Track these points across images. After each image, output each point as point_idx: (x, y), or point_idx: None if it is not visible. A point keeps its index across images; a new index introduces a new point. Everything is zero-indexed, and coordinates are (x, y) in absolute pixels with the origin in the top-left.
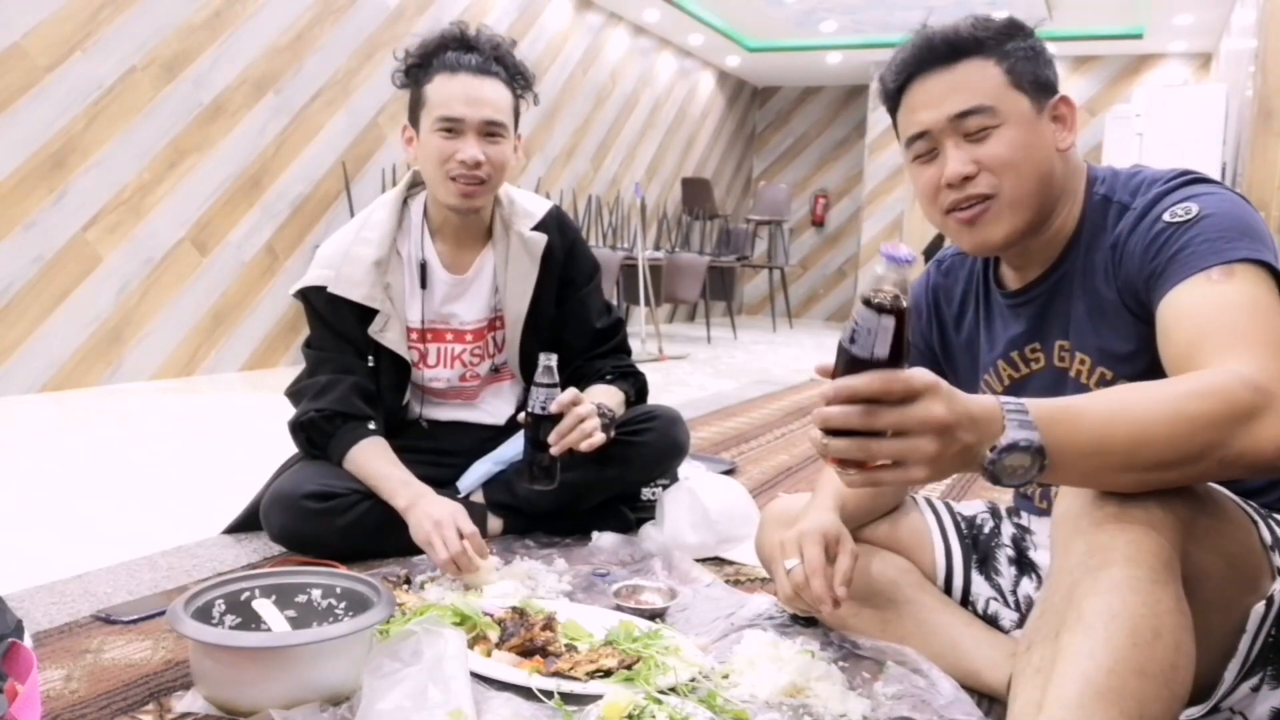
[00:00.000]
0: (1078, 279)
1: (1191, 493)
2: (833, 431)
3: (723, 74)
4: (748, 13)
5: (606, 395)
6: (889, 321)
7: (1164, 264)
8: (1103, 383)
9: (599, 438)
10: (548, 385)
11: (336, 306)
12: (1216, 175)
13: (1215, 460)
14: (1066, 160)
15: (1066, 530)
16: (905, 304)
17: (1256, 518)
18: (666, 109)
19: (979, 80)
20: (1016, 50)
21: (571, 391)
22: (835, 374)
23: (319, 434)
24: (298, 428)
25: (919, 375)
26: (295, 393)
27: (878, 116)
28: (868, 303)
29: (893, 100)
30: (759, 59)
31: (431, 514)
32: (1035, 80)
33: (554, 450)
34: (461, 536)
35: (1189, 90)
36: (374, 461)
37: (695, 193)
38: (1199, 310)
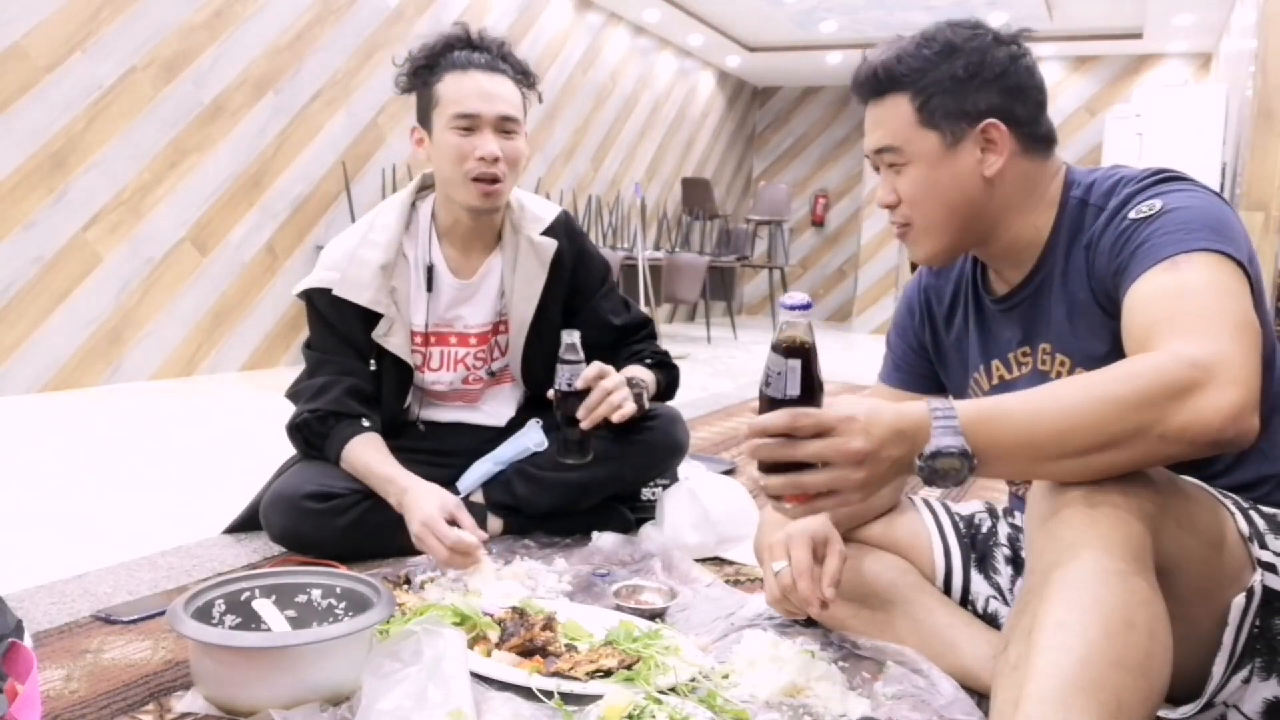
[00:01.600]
0: (1057, 281)
1: (1159, 484)
2: (768, 470)
3: (723, 74)
4: (748, 13)
5: (636, 371)
6: (795, 363)
7: (1127, 259)
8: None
9: (629, 408)
10: (572, 361)
11: (340, 309)
12: (1216, 175)
13: (1154, 438)
14: (1005, 181)
15: (1036, 527)
16: (808, 345)
17: (1234, 509)
18: (666, 109)
19: (891, 119)
20: (940, 82)
21: (597, 365)
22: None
23: (314, 435)
24: (294, 429)
25: (831, 411)
26: (294, 394)
27: None
28: (775, 348)
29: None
30: (759, 59)
31: (419, 512)
32: (954, 111)
33: (584, 424)
34: (457, 525)
35: (1189, 90)
36: (365, 458)
37: (695, 193)
38: (1153, 299)
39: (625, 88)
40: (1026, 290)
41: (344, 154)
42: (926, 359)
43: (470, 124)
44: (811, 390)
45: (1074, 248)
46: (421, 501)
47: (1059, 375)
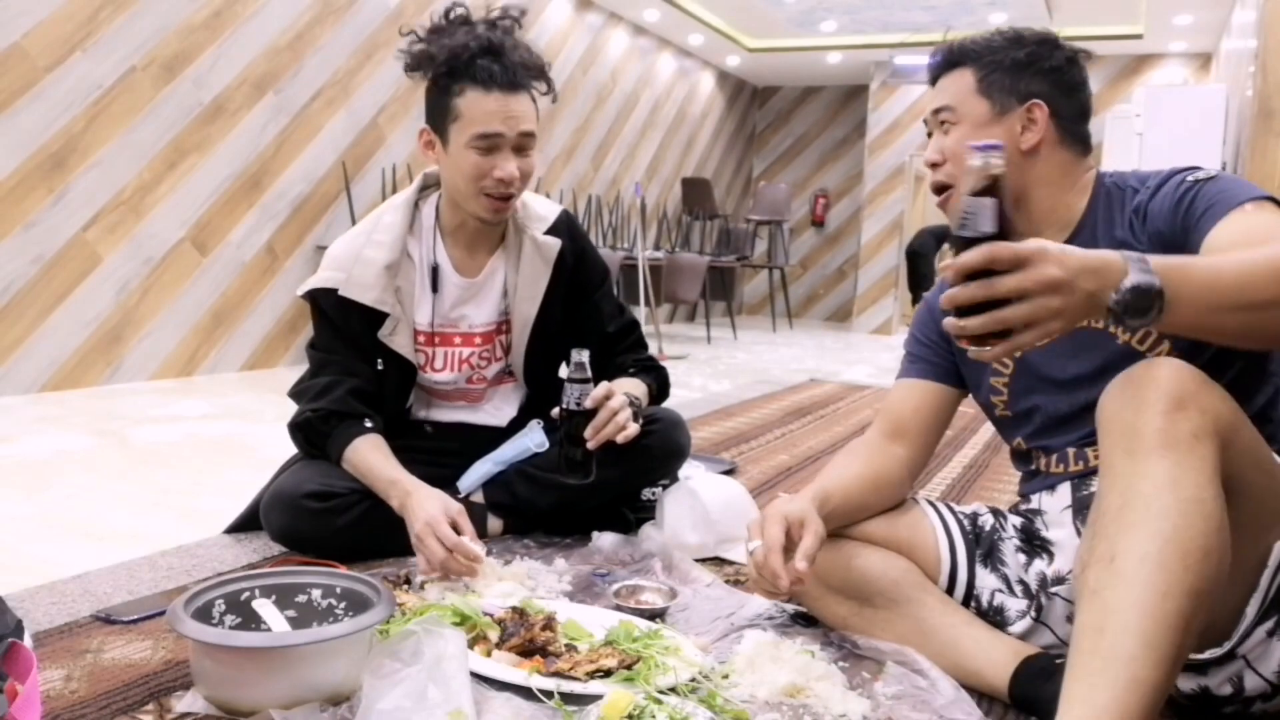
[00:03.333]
0: (1101, 244)
1: (1235, 411)
2: (965, 312)
3: (723, 74)
4: (748, 13)
5: (631, 386)
6: (988, 200)
7: (1200, 210)
8: (1146, 339)
9: (633, 429)
10: (581, 381)
11: (345, 309)
12: None
13: None
14: (1040, 159)
15: (1114, 442)
16: (1001, 180)
17: None
18: (666, 109)
19: (954, 85)
20: (1001, 62)
21: (604, 385)
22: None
23: (316, 434)
24: (296, 428)
25: (1026, 243)
26: (297, 394)
27: (878, 116)
28: (968, 190)
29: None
30: (759, 59)
31: (423, 513)
32: (1008, 88)
33: (590, 445)
34: (457, 531)
35: (1189, 90)
36: (366, 459)
37: (695, 193)
38: (1240, 236)
39: (625, 87)
40: None
41: (344, 154)
42: (949, 354)
43: (491, 144)
44: (1004, 228)
45: (1113, 220)
46: (426, 504)
47: (1121, 336)
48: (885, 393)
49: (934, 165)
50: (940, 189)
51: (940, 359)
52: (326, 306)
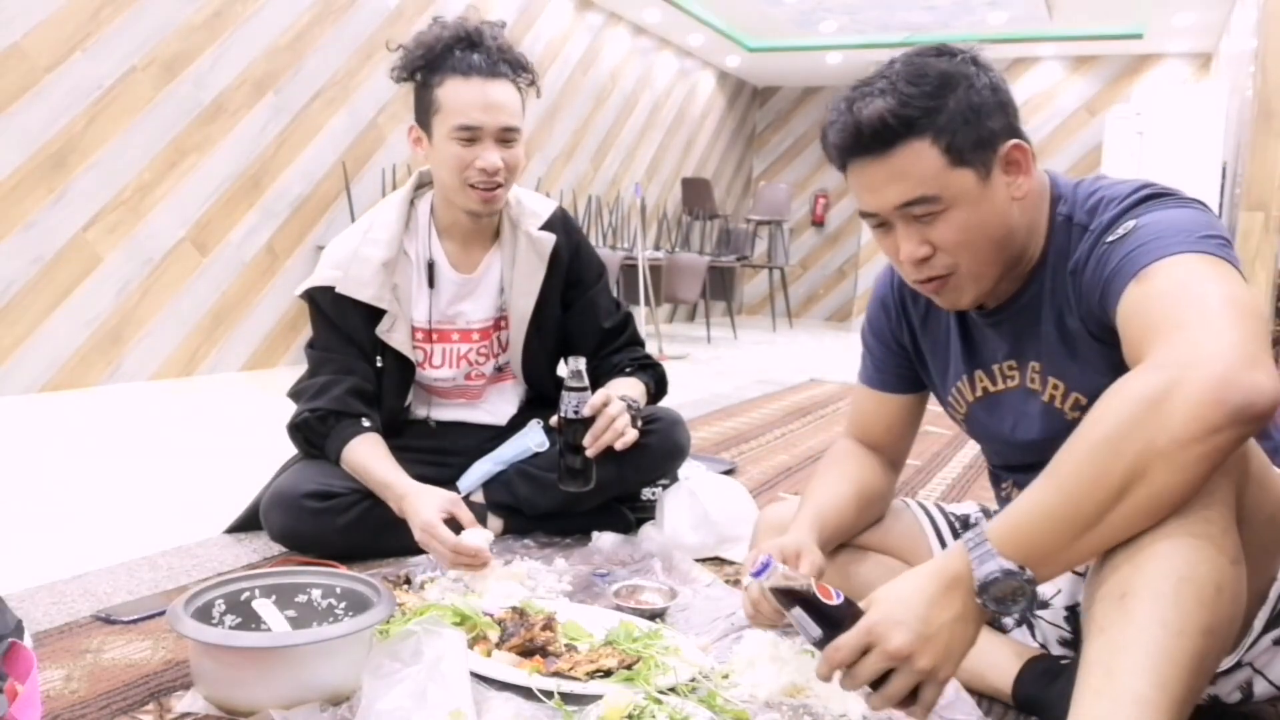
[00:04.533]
0: (1046, 301)
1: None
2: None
3: (723, 74)
4: (748, 13)
5: (628, 387)
6: (797, 611)
7: (1107, 283)
8: (1078, 408)
9: (631, 435)
10: (579, 389)
11: (343, 307)
12: (1217, 175)
13: (1162, 455)
14: (1028, 202)
15: None
16: (804, 587)
17: None
18: (666, 109)
19: (915, 167)
20: (954, 117)
21: (602, 393)
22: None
23: (314, 434)
24: (294, 428)
25: (854, 633)
26: (296, 393)
27: None
28: (780, 598)
29: (841, 169)
30: (759, 59)
31: (418, 518)
32: (978, 142)
33: (590, 452)
34: (456, 525)
35: (1189, 89)
36: (363, 460)
37: (695, 193)
38: (1136, 314)
39: (625, 88)
40: (1015, 305)
41: (344, 154)
42: (907, 359)
43: (472, 135)
44: (832, 623)
45: (1061, 270)
46: (420, 506)
47: (1052, 398)
48: None
49: (923, 260)
50: (940, 278)
51: (899, 366)
52: (324, 305)
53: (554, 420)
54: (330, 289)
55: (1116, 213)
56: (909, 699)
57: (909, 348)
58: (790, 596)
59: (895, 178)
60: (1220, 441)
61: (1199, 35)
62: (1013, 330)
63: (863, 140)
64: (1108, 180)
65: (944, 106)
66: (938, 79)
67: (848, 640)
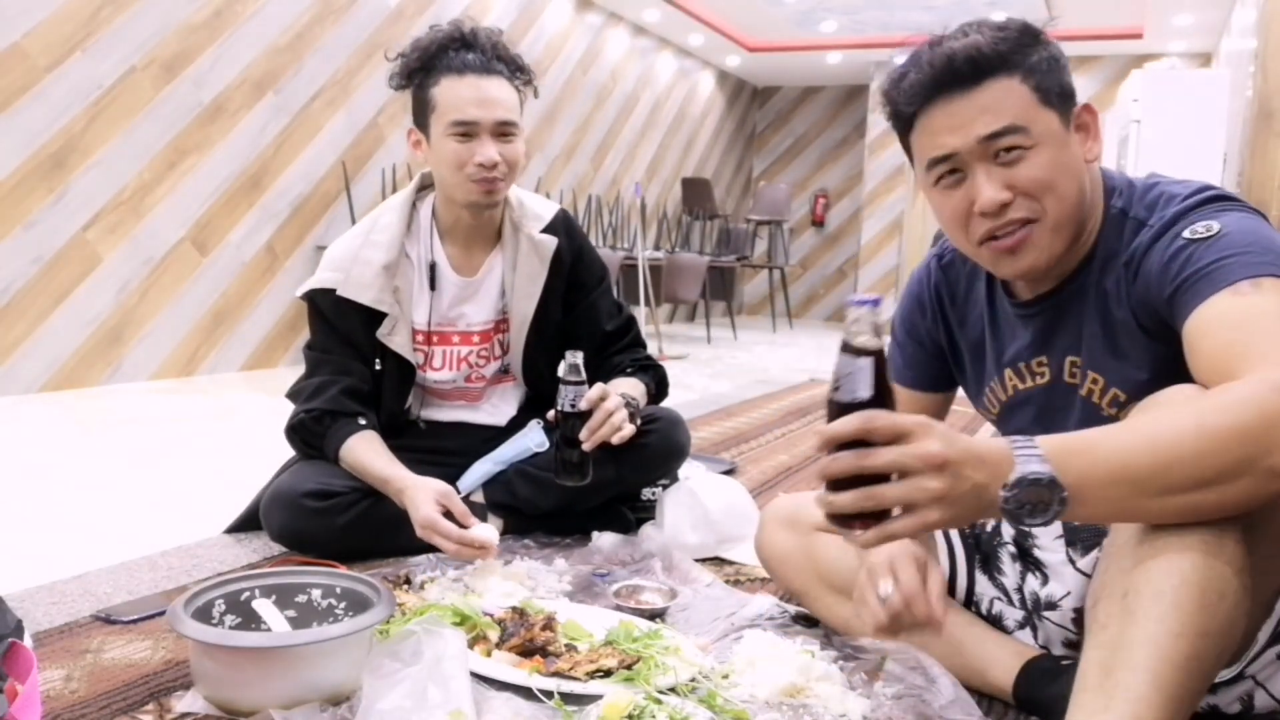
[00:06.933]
0: (1091, 295)
1: None
2: (837, 488)
3: (723, 74)
4: (748, 13)
5: (629, 387)
6: (865, 363)
7: (1188, 281)
8: (1115, 404)
9: (628, 430)
10: (576, 382)
11: (343, 309)
12: (1219, 166)
13: (1260, 472)
14: (1092, 172)
15: None
16: (881, 346)
17: None
18: (666, 109)
19: (1006, 100)
20: (1040, 63)
21: (599, 386)
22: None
23: (310, 435)
24: (291, 430)
25: (908, 415)
26: (293, 394)
27: (877, 117)
28: (845, 347)
29: (905, 123)
30: (759, 59)
31: (417, 515)
32: (1061, 92)
33: (586, 446)
34: (454, 521)
35: (1190, 76)
36: (361, 457)
37: (695, 193)
38: (1228, 323)
39: (625, 88)
40: (1055, 299)
41: (344, 154)
42: (941, 359)
43: (468, 130)
44: (883, 394)
45: (1112, 263)
46: (418, 500)
47: (1090, 392)
48: None
49: (1000, 206)
50: (1021, 225)
51: (932, 364)
52: (324, 307)
53: (551, 414)
54: (331, 291)
55: (1181, 209)
56: (869, 520)
57: (945, 347)
58: (871, 346)
59: (985, 110)
60: None
61: (1199, 35)
62: (1046, 323)
63: (955, 71)
64: (1165, 178)
65: (1033, 52)
66: (1023, 29)
67: (896, 417)
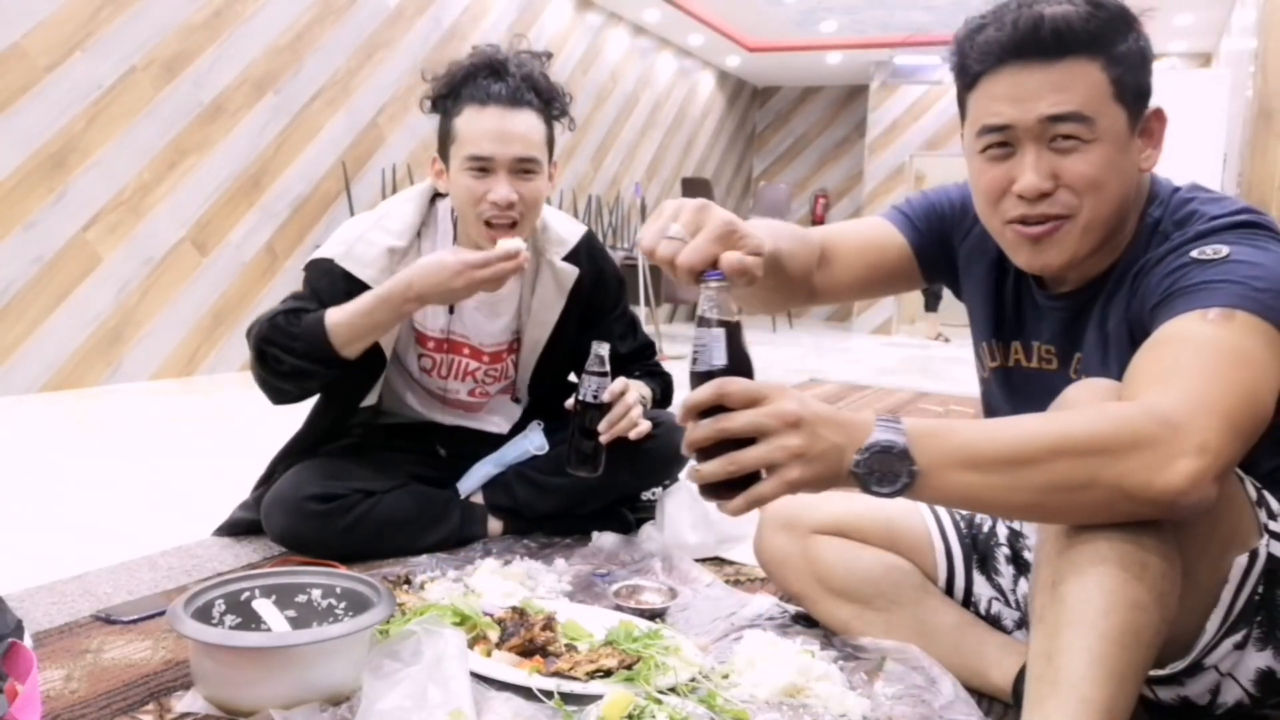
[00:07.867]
0: (1102, 299)
1: None
2: (705, 458)
3: (723, 74)
4: (748, 13)
5: (640, 389)
6: (719, 333)
7: (1171, 297)
8: None
9: (645, 426)
10: (599, 374)
11: (334, 280)
12: (1219, 166)
13: (1107, 488)
14: (1141, 180)
15: None
16: (734, 318)
17: (1242, 475)
18: (666, 109)
19: (1080, 84)
20: (1127, 54)
21: (621, 380)
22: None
23: (282, 334)
24: (262, 343)
25: (763, 382)
26: (248, 331)
27: (877, 116)
28: (701, 320)
29: (969, 80)
30: (759, 59)
31: (445, 266)
32: (1138, 91)
33: (604, 438)
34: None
35: (1190, 74)
36: (345, 308)
37: (695, 193)
38: (1173, 345)
39: (625, 88)
40: (1078, 299)
41: (344, 154)
42: (942, 250)
43: (484, 166)
44: (738, 362)
45: (1129, 272)
46: (431, 262)
47: None
48: (886, 393)
49: (1043, 196)
50: (1054, 219)
51: (929, 240)
52: (315, 276)
53: (570, 403)
54: (329, 261)
55: (1205, 229)
56: (733, 488)
57: (954, 257)
58: (722, 318)
59: (1057, 87)
60: (1144, 512)
61: (1199, 35)
62: (1064, 319)
63: (1039, 38)
64: (1204, 192)
65: (1124, 40)
66: (1119, 13)
67: (750, 383)
